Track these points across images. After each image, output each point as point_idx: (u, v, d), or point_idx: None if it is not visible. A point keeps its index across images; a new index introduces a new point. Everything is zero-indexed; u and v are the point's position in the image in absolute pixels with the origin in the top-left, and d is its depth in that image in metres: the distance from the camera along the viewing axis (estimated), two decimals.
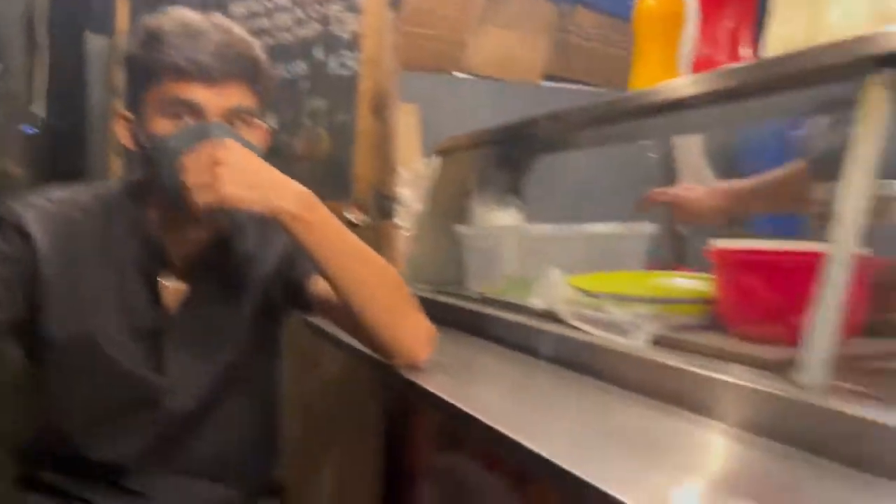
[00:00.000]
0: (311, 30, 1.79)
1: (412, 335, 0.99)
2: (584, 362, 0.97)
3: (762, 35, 0.93)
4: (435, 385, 0.93)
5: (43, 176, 1.86)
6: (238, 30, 0.96)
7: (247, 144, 0.91)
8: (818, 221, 1.05)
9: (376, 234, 1.65)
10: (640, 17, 1.16)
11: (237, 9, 1.82)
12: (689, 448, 0.72)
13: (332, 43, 1.77)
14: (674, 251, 1.65)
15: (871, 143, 0.70)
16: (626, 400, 0.86)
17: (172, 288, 1.01)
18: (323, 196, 0.93)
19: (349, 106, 1.75)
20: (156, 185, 0.95)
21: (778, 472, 0.64)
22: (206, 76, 0.90)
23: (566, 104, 1.20)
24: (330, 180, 1.73)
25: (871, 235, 0.95)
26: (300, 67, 1.80)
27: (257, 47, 0.97)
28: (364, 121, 1.73)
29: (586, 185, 2.11)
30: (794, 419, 0.67)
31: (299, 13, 1.80)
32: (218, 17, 0.95)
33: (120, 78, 1.02)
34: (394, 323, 0.97)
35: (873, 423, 0.60)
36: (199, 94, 0.90)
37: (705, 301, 0.95)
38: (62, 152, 1.97)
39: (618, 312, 0.98)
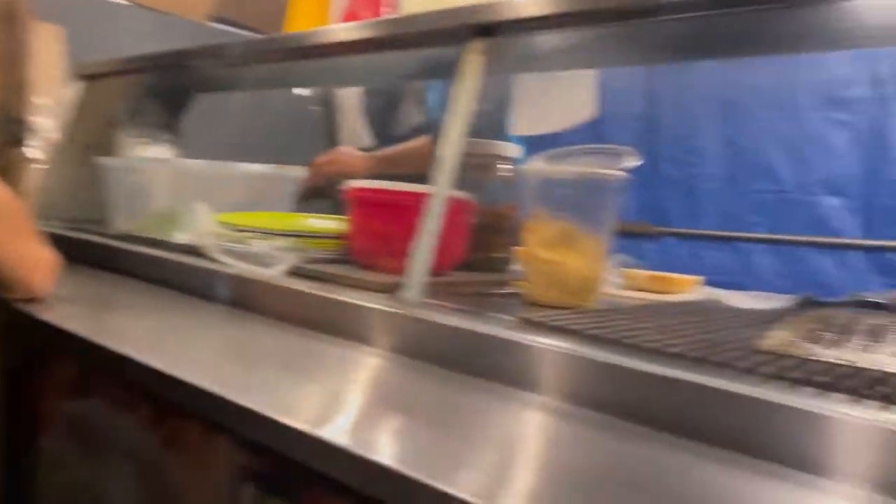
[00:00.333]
0: None
1: (28, 265, 0.92)
2: (228, 294, 0.99)
3: None
4: (70, 322, 0.88)
5: None
6: None
7: None
8: None
9: (1, 161, 1.45)
10: None
11: None
12: (329, 365, 0.79)
13: None
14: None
15: (466, 101, 0.83)
16: (270, 327, 0.91)
17: None
18: None
19: None
20: None
21: (392, 370, 0.74)
22: None
23: None
24: None
25: (480, 187, 1.13)
26: None
27: None
28: None
29: (247, 129, 2.11)
30: (399, 329, 0.78)
31: None
32: None
33: None
34: (5, 252, 0.89)
35: (457, 328, 0.73)
36: None
37: (340, 237, 1.04)
38: None
39: (260, 246, 1.02)
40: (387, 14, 1.11)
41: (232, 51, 1.20)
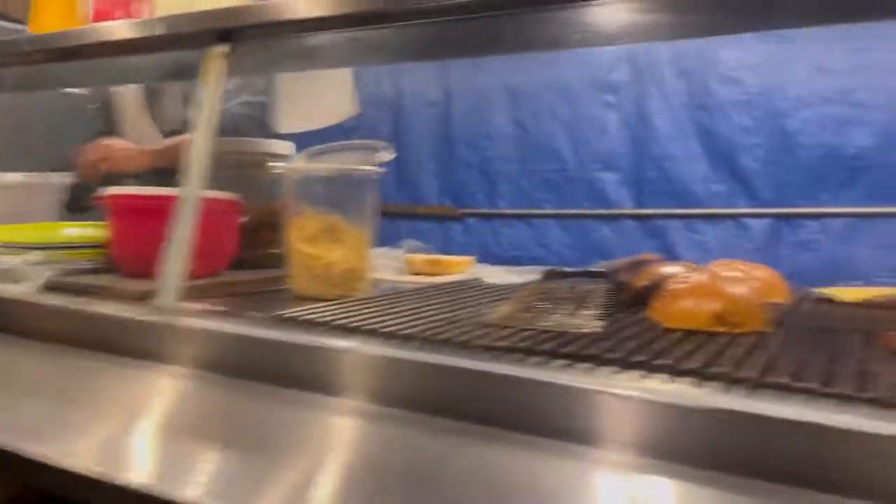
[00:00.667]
0: None
1: None
2: None
3: None
4: None
5: None
6: None
7: None
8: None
9: None
10: None
11: None
12: (96, 388, 0.76)
13: None
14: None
15: (210, 104, 0.84)
16: (26, 347, 0.86)
17: None
18: None
19: None
20: None
21: (167, 385, 0.74)
22: None
23: None
24: None
25: (251, 185, 1.14)
26: None
27: None
28: None
29: (16, 132, 1.94)
30: (158, 337, 0.78)
31: None
32: None
33: None
34: None
35: (209, 331, 0.74)
36: None
37: (99, 245, 1.01)
38: None
39: (11, 262, 0.96)
40: (139, 13, 1.08)
41: None
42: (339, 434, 0.62)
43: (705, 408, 0.49)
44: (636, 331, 0.70)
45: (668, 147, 2.36)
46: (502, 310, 0.77)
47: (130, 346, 0.79)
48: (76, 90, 1.94)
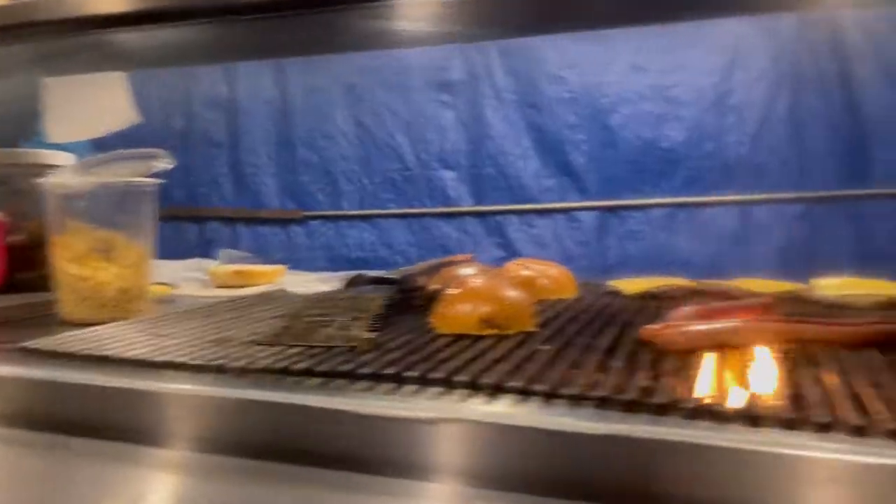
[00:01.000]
0: None
1: None
2: None
3: None
4: None
5: None
6: None
7: None
8: None
9: None
10: None
11: None
12: None
13: None
14: None
15: None
16: None
17: None
18: None
19: None
20: None
21: None
22: None
23: None
24: None
25: (21, 200, 1.04)
26: None
27: None
28: None
29: None
30: None
31: None
32: None
33: None
34: None
35: None
36: None
37: None
38: None
39: None
40: None
41: None
42: None
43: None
44: (405, 340, 0.68)
45: (503, 144, 2.42)
46: (276, 325, 0.74)
47: None
48: None
